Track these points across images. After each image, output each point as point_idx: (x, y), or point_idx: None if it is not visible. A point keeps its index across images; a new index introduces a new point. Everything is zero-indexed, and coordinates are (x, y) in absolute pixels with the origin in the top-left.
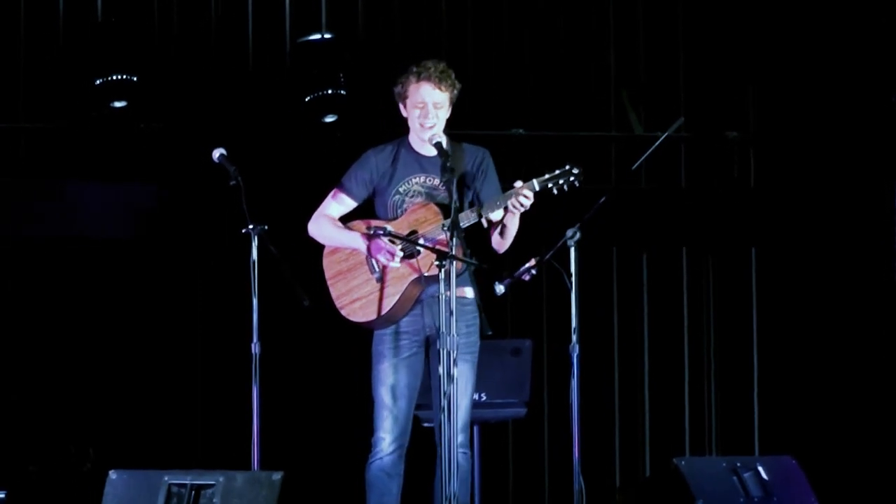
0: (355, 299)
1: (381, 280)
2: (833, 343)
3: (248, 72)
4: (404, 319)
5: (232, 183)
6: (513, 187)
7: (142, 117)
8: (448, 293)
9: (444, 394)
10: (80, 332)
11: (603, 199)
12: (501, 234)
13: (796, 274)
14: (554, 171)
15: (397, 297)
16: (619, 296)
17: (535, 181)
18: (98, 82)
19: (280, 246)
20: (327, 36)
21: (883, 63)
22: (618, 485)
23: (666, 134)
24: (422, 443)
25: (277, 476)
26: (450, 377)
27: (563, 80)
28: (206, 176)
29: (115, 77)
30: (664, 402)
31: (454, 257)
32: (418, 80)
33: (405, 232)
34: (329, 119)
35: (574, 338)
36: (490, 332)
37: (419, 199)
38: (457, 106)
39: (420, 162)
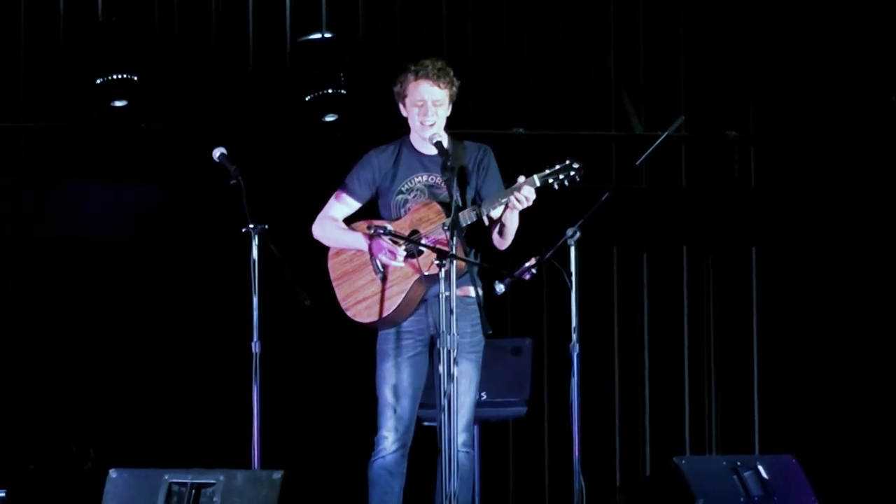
0: (360, 300)
1: (386, 280)
2: (833, 342)
3: (249, 71)
4: (408, 319)
5: (232, 182)
6: (514, 184)
7: (142, 117)
8: (448, 292)
9: (445, 393)
10: (80, 331)
11: (606, 196)
12: (501, 232)
13: (797, 273)
14: (554, 166)
15: (402, 297)
16: (619, 295)
17: (535, 177)
18: (98, 81)
19: (280, 245)
20: (327, 35)
21: (883, 62)
22: (618, 484)
23: (667, 133)
24: (424, 442)
25: (278, 475)
26: (450, 376)
27: (564, 80)
28: (207, 175)
29: (115, 76)
30: (664, 401)
31: (454, 256)
32: (416, 78)
33: (407, 231)
34: (329, 118)
35: (574, 337)
36: (490, 332)
37: (422, 199)
38: (457, 106)
39: (422, 161)
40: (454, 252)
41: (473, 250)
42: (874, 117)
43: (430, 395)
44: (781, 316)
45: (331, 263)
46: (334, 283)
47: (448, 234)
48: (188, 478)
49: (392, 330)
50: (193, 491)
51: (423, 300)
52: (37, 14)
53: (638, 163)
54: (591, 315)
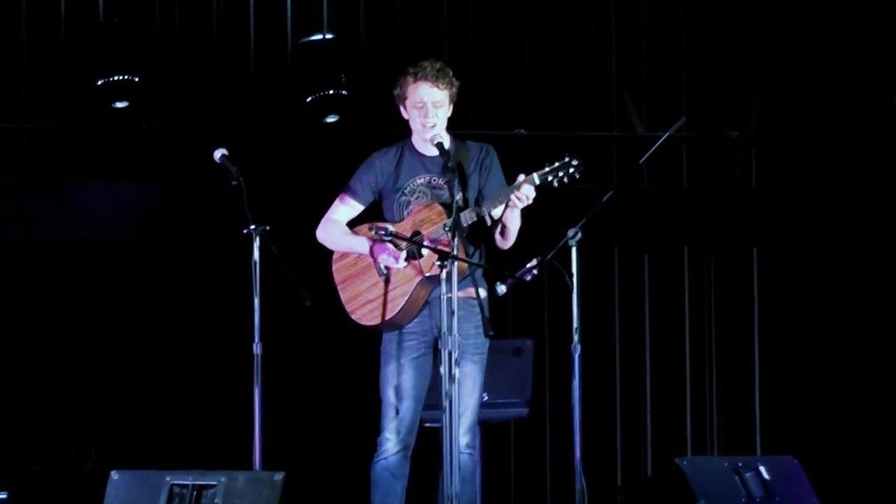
0: (364, 303)
1: (389, 283)
2: (835, 343)
3: (250, 72)
4: (413, 321)
5: (234, 183)
6: (514, 183)
7: (143, 117)
8: (449, 294)
9: (446, 394)
10: (81, 332)
11: (607, 196)
12: (502, 232)
13: (798, 274)
14: (553, 163)
15: (405, 299)
16: (620, 295)
17: (535, 175)
18: (100, 82)
19: (281, 246)
20: (329, 36)
21: (884, 63)
22: (619, 484)
23: (668, 133)
24: (427, 443)
25: (279, 476)
26: (451, 377)
27: (565, 81)
28: (208, 176)
29: (116, 77)
30: (666, 401)
31: (455, 257)
32: (415, 80)
33: (409, 233)
34: (330, 119)
35: (576, 337)
36: (492, 333)
37: (424, 200)
38: (458, 107)
39: (423, 163)
40: (455, 253)
41: (478, 251)
42: (875, 118)
43: (434, 396)
44: (783, 316)
45: (335, 267)
46: (339, 287)
47: (449, 234)
48: (189, 479)
49: (396, 331)
50: (195, 492)
51: (427, 302)
52: (38, 15)
53: (642, 161)
54: (593, 316)
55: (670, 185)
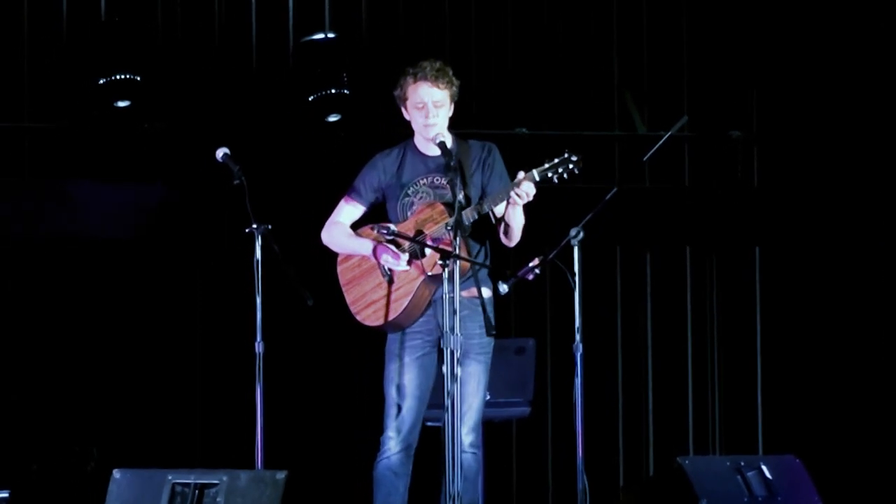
0: (369, 304)
1: (392, 283)
2: (837, 342)
3: (252, 71)
4: (417, 321)
5: (235, 182)
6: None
7: (145, 117)
8: (452, 293)
9: (448, 393)
10: (82, 331)
11: (610, 195)
12: (506, 230)
13: (800, 273)
14: (553, 159)
15: (409, 299)
16: (622, 295)
17: (534, 171)
18: (101, 82)
19: (283, 245)
20: (331, 35)
21: (886, 63)
22: (621, 484)
23: (670, 132)
24: (430, 442)
25: (281, 475)
26: (453, 376)
27: (567, 80)
28: (210, 175)
29: (118, 76)
30: (668, 401)
31: (456, 256)
32: (415, 80)
33: (412, 232)
34: (332, 118)
35: (578, 337)
36: (494, 332)
37: (427, 200)
38: (460, 106)
39: (426, 163)
40: (457, 252)
41: (483, 250)
42: (877, 117)
43: (439, 395)
44: (785, 316)
45: (340, 269)
46: (343, 289)
47: (451, 233)
48: (191, 478)
49: (400, 331)
50: (197, 491)
51: (432, 301)
52: (40, 14)
53: (645, 158)
54: (595, 315)
55: (672, 184)
